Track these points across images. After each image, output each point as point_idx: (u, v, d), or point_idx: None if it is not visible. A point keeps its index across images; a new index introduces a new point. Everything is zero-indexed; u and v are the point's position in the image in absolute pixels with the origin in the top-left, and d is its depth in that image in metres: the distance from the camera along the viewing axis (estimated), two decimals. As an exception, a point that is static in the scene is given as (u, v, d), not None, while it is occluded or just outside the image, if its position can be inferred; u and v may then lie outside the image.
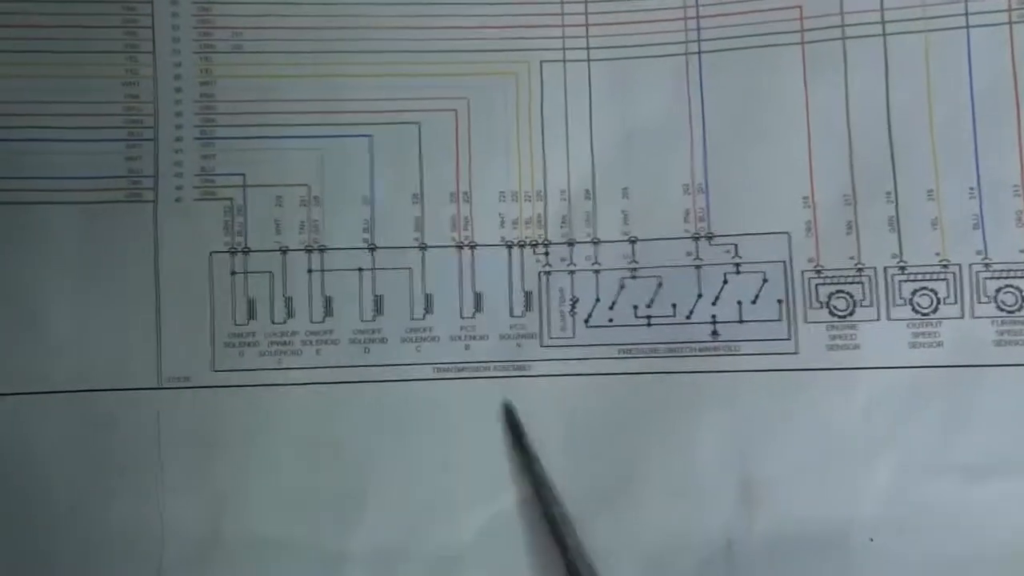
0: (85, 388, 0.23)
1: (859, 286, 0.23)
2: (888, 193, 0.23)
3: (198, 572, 0.23)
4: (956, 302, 0.23)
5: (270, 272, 0.24)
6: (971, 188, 0.23)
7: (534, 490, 0.23)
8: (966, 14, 0.23)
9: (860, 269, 0.23)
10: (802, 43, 0.24)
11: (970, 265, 0.23)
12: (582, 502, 0.23)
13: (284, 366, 0.24)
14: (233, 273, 0.24)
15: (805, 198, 0.24)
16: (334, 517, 0.23)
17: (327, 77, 0.24)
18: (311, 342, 0.24)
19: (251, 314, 0.24)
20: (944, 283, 0.23)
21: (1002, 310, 0.23)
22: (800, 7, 0.24)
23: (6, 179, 0.24)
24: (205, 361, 0.24)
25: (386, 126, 0.24)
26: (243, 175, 0.24)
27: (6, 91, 0.24)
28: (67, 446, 0.23)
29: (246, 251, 0.24)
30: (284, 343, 0.24)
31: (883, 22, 0.24)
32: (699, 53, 0.24)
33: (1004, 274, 0.23)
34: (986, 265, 0.23)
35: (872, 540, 0.22)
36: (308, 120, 0.24)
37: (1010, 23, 0.23)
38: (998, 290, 0.23)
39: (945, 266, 0.23)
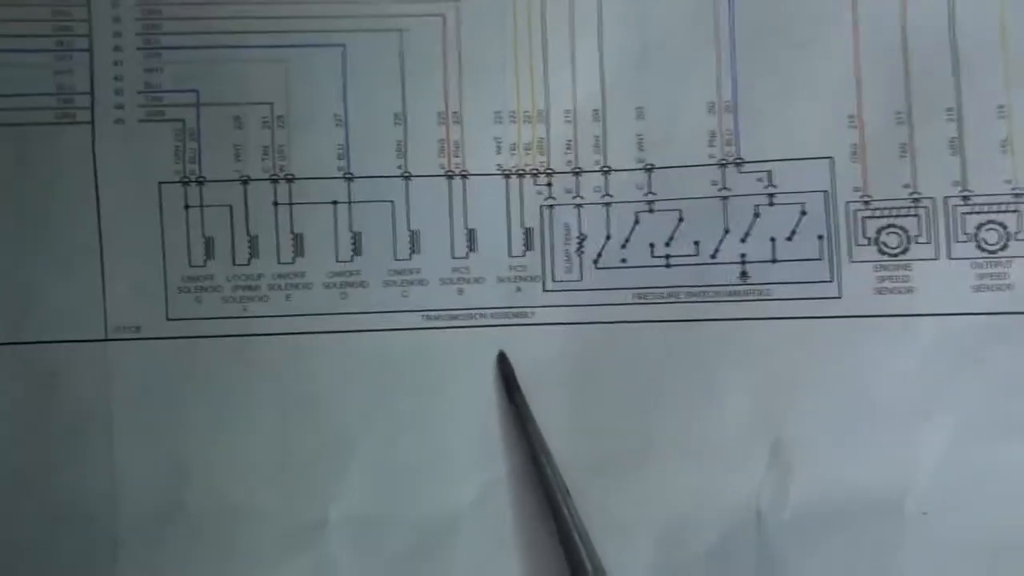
0: (21, 340, 0.20)
1: (914, 219, 0.20)
2: (950, 110, 0.20)
3: (159, 544, 0.20)
4: (1029, 236, 0.20)
5: (229, 206, 0.21)
6: (1048, 104, 0.20)
7: (527, 452, 0.20)
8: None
9: (916, 199, 0.20)
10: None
11: (1046, 193, 0.20)
12: (590, 468, 0.21)
13: (249, 314, 0.21)
14: (187, 207, 0.21)
15: (851, 117, 0.21)
16: (310, 482, 0.21)
17: None
18: (279, 286, 0.21)
19: (209, 254, 0.21)
20: (1015, 215, 0.20)
21: (1082, 246, 0.20)
22: None
23: None
24: (158, 309, 0.21)
25: (362, 33, 0.21)
26: (196, 92, 0.21)
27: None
28: (4, 405, 0.20)
29: (200, 181, 0.21)
30: (248, 288, 0.21)
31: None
32: None
33: (1086, 204, 0.20)
34: (1063, 193, 0.20)
35: (925, 513, 0.20)
36: (271, 27, 0.21)
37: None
38: (1078, 222, 0.20)
39: (1017, 195, 0.20)
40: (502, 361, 0.21)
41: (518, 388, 0.21)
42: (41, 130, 0.21)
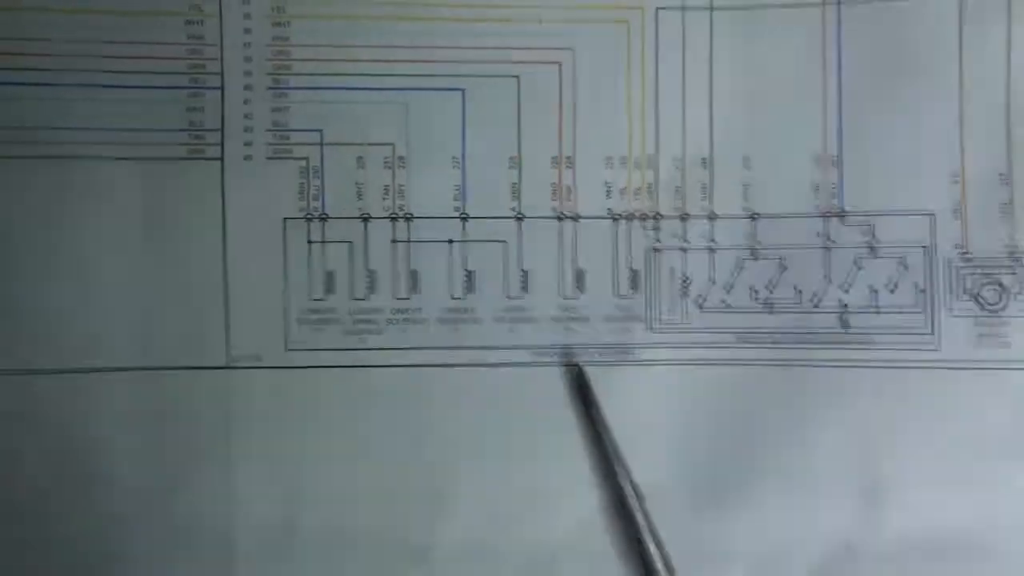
0: (147, 366, 0.21)
1: (1012, 276, 0.21)
2: None
3: (273, 564, 0.21)
4: (1126, 295, 0.21)
5: (350, 242, 0.22)
6: None
7: (602, 463, 0.22)
8: None
9: (1015, 256, 0.21)
10: (960, -3, 0.21)
11: None
12: (690, 501, 0.22)
13: (366, 346, 0.22)
14: (309, 242, 0.22)
15: (954, 174, 0.21)
16: (418, 509, 0.22)
17: (415, 20, 0.22)
18: (395, 320, 0.22)
19: (329, 288, 0.22)
20: None
21: None
22: (957, -52, 0.21)
23: (56, 130, 0.21)
24: (278, 339, 0.22)
25: (481, 79, 0.22)
26: (320, 132, 0.22)
27: (54, 31, 0.21)
28: (128, 428, 0.21)
29: (323, 218, 0.22)
30: (366, 321, 0.22)
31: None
32: (838, 3, 0.22)
33: None
34: None
35: (1010, 553, 0.21)
36: (393, 70, 0.22)
37: None
38: None
39: None
40: (579, 376, 0.22)
41: (595, 402, 0.22)
42: (173, 164, 0.21)
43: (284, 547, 0.21)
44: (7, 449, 0.21)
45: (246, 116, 0.21)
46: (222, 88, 0.21)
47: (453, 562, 0.22)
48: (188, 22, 0.21)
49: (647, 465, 0.22)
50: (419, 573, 0.22)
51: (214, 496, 0.22)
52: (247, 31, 0.21)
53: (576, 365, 0.22)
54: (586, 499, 0.22)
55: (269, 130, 0.22)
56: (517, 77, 0.22)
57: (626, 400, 0.22)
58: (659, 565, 0.21)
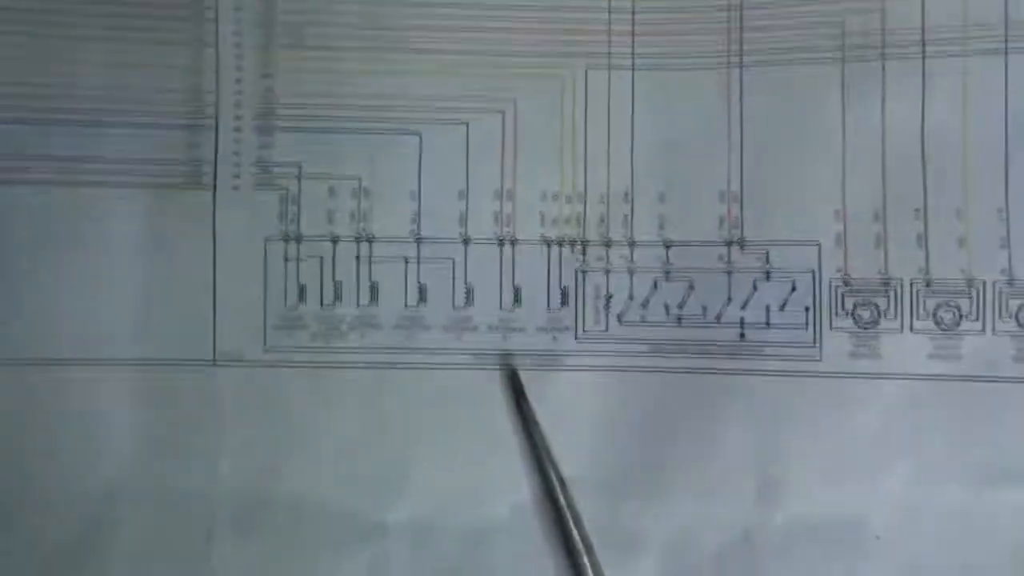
0: (145, 360, 0.25)
1: (884, 298, 0.24)
2: (917, 210, 0.24)
3: (249, 535, 0.24)
4: (978, 319, 0.24)
5: (320, 258, 0.25)
6: (999, 209, 0.24)
7: (533, 455, 0.24)
8: (1005, 40, 0.24)
9: (886, 282, 0.24)
10: (842, 60, 0.24)
11: (993, 283, 0.24)
12: (609, 489, 0.24)
13: (331, 347, 0.25)
14: (286, 260, 0.25)
15: (837, 211, 0.24)
16: (375, 491, 0.25)
17: (381, 75, 0.25)
18: (357, 326, 0.25)
19: (301, 298, 0.25)
20: (968, 300, 0.24)
21: (1021, 327, 0.24)
22: (842, 23, 0.24)
23: (72, 161, 0.25)
24: (257, 340, 0.25)
25: (435, 125, 0.25)
26: (299, 166, 0.25)
27: (76, 76, 0.25)
28: (128, 412, 0.25)
29: (299, 238, 0.25)
30: (332, 326, 0.25)
31: (923, 43, 0.24)
32: (741, 66, 0.25)
33: (1025, 293, 0.24)
34: (1009, 283, 0.24)
35: (878, 538, 0.24)
36: (362, 116, 0.25)
37: (1048, 50, 0.24)
38: (1020, 308, 0.24)
39: (970, 283, 0.24)
40: (512, 375, 0.25)
41: (525, 396, 0.25)
42: (172, 192, 0.25)
43: (259, 520, 0.24)
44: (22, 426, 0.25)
45: (235, 153, 0.25)
46: (216, 129, 0.25)
47: (404, 538, 0.24)
48: (188, 73, 0.25)
49: (572, 458, 0.24)
50: (375, 546, 0.24)
51: (200, 470, 0.25)
52: (239, 81, 0.25)
53: (511, 368, 0.25)
54: (519, 486, 0.25)
55: (255, 164, 0.25)
56: (466, 124, 0.25)
57: (555, 401, 0.25)
58: (580, 546, 0.24)
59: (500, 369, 0.25)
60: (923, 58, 0.24)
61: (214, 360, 0.25)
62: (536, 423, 0.24)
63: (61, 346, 0.25)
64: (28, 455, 0.25)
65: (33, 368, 0.25)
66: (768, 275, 0.25)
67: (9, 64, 0.25)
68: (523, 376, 0.25)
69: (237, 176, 0.25)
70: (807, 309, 0.24)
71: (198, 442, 0.25)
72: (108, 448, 0.25)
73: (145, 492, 0.25)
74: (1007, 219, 0.24)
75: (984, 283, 0.24)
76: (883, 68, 0.24)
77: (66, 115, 0.25)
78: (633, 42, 0.25)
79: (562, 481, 0.24)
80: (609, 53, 0.25)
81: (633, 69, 0.25)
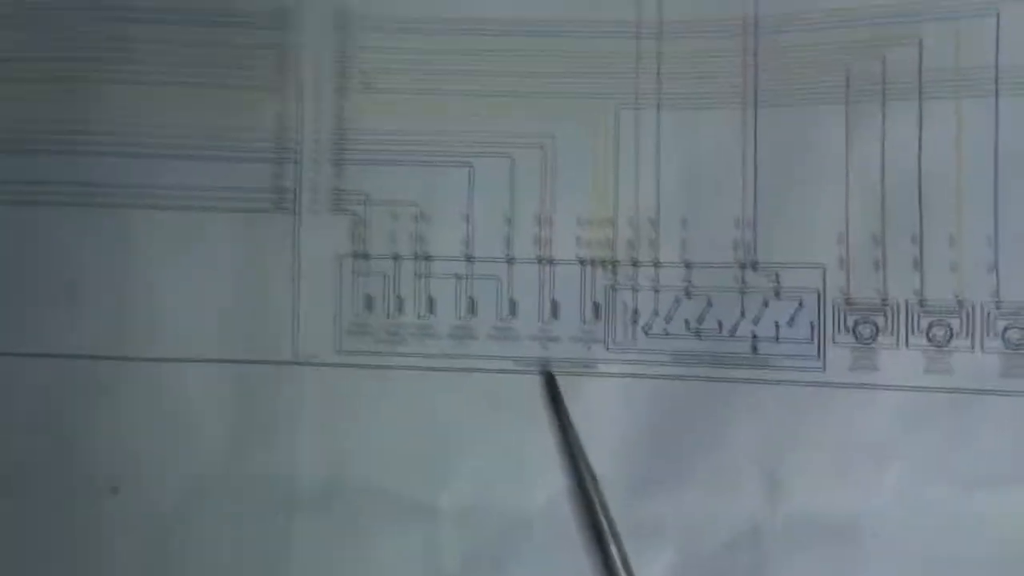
0: (237, 359, 0.28)
1: (882, 317, 0.26)
2: (913, 236, 0.26)
3: (321, 513, 0.27)
4: (968, 337, 0.26)
5: (384, 275, 0.28)
6: (988, 236, 0.26)
7: (567, 451, 0.26)
8: (996, 83, 0.26)
9: (885, 301, 0.26)
10: (846, 103, 0.27)
11: (982, 304, 0.26)
12: (631, 486, 0.26)
13: (394, 351, 0.28)
14: (356, 275, 0.28)
15: (840, 236, 0.26)
16: (428, 478, 0.27)
17: (438, 115, 0.28)
18: (416, 333, 0.28)
19: (369, 308, 0.28)
20: (958, 319, 0.26)
21: (1008, 346, 0.26)
22: (847, 70, 0.27)
23: (179, 191, 0.28)
24: (332, 344, 0.28)
25: (484, 158, 0.28)
26: (367, 194, 0.28)
27: (185, 120, 0.28)
28: (221, 404, 0.28)
29: (366, 256, 0.28)
30: (394, 333, 0.28)
31: (920, 87, 0.26)
32: (755, 106, 0.27)
33: (1012, 315, 0.26)
34: (997, 305, 0.26)
35: (875, 535, 0.26)
36: (420, 150, 0.28)
37: (1035, 92, 0.26)
38: (1006, 328, 0.26)
39: (960, 304, 0.26)
40: (549, 379, 0.27)
41: (561, 399, 0.26)
42: (261, 216, 0.28)
43: (331, 501, 0.27)
44: (107, 422, 0.28)
45: (313, 182, 0.28)
46: (299, 163, 0.28)
47: (452, 520, 0.27)
48: (275, 115, 0.29)
49: (601, 455, 0.26)
50: (427, 526, 0.27)
51: (282, 458, 0.27)
52: (316, 121, 0.28)
53: (548, 372, 0.27)
54: (554, 478, 0.27)
55: (330, 192, 0.28)
56: (511, 157, 0.28)
57: (587, 404, 0.27)
58: (608, 535, 0.26)
59: (539, 373, 0.27)
60: (919, 100, 0.26)
61: (295, 360, 0.28)
62: (570, 423, 0.27)
63: (167, 345, 0.28)
64: (136, 439, 0.28)
65: (143, 363, 0.28)
66: (778, 294, 0.26)
67: (130, 111, 0.29)
68: (559, 380, 0.27)
69: (315, 202, 0.28)
70: (812, 325, 0.26)
71: (280, 431, 0.27)
72: (204, 435, 0.28)
73: (235, 475, 0.27)
74: (996, 246, 0.26)
75: (974, 305, 0.26)
76: (883, 109, 0.26)
77: (177, 151, 0.28)
78: (659, 85, 0.28)
79: (593, 476, 0.26)
80: (637, 94, 0.28)
81: (659, 108, 0.28)
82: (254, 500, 0.28)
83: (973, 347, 0.26)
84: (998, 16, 0.26)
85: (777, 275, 0.27)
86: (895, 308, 0.26)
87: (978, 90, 0.26)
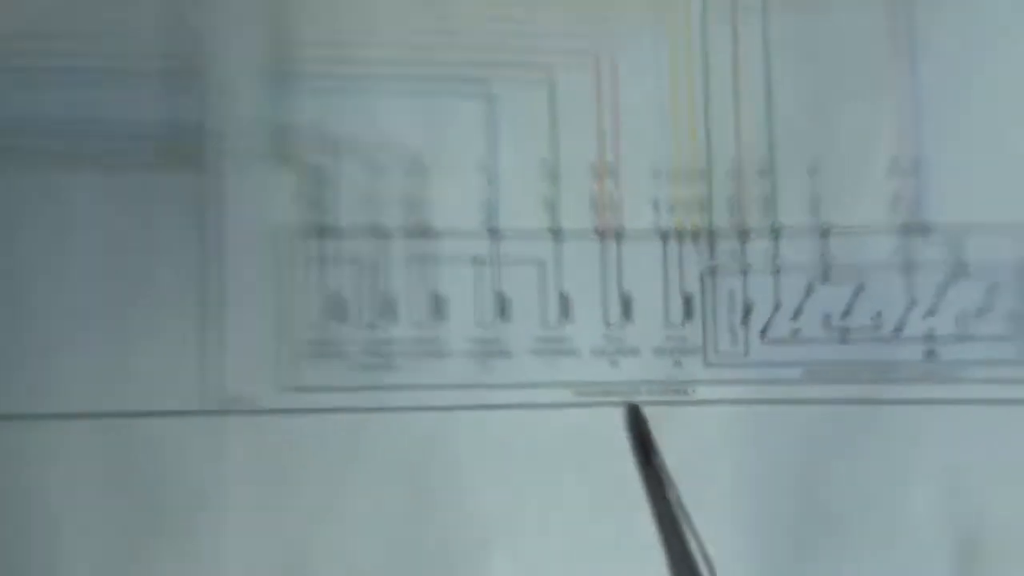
0: (118, 411, 0.18)
1: None
2: None
3: None
4: None
5: (360, 261, 0.19)
6: None
7: (662, 520, 0.19)
8: None
9: None
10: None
11: None
12: (761, 555, 0.19)
13: (378, 384, 0.19)
14: (314, 262, 0.19)
15: None
16: None
17: (439, 17, 0.20)
18: (414, 354, 0.19)
19: (336, 316, 0.19)
20: None
21: None
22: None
23: (15, 136, 0.19)
24: (276, 377, 0.19)
25: (510, 80, 0.20)
26: (330, 135, 0.20)
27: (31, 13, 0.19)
28: (98, 484, 0.18)
29: (333, 233, 0.19)
30: (379, 354, 0.19)
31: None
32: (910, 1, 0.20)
33: None
34: None
35: None
36: (413, 69, 0.20)
37: None
38: None
39: None
40: (635, 417, 0.20)
41: (655, 449, 0.19)
42: (152, 175, 0.19)
43: None
44: None
45: (238, 117, 0.19)
46: (206, 83, 0.19)
47: None
48: (178, 10, 0.19)
49: (709, 523, 0.19)
50: None
51: (202, 566, 0.18)
52: (240, 19, 0.19)
53: (632, 405, 0.19)
54: (643, 565, 0.19)
55: (268, 132, 0.19)
56: (550, 79, 0.20)
57: (681, 446, 0.19)
58: None
59: (620, 406, 0.19)
60: None
61: (218, 407, 0.19)
62: (671, 482, 0.19)
63: (10, 396, 0.18)
64: None
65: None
66: (961, 271, 0.20)
67: None
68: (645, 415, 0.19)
69: (245, 150, 0.19)
70: (1013, 316, 0.20)
71: (198, 522, 0.18)
72: (75, 529, 0.18)
73: None
74: None
75: None
76: None
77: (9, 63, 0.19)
78: None
79: (708, 559, 0.19)
80: None
81: (765, 10, 0.20)
82: None
83: None
84: None
85: (958, 242, 0.20)
86: None
87: None
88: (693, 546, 0.19)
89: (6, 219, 0.19)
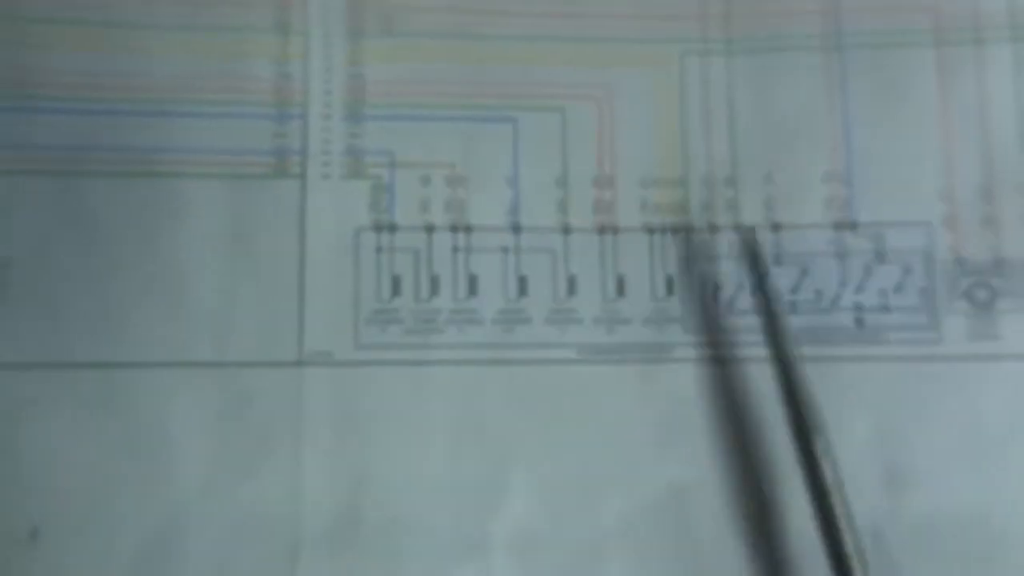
0: (226, 361, 0.23)
1: (1000, 278, 0.24)
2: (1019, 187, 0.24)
3: (337, 553, 0.22)
4: (1096, 294, 0.24)
5: (415, 250, 0.24)
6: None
7: (769, 338, 0.23)
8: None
9: (999, 262, 0.24)
10: (935, 46, 0.25)
11: (1108, 257, 0.24)
12: (724, 486, 0.23)
13: (427, 344, 0.23)
14: (379, 250, 0.24)
15: (943, 190, 0.24)
16: (476, 501, 0.23)
17: (474, 63, 0.25)
18: (455, 320, 0.24)
19: (396, 291, 0.24)
20: None
21: None
22: (936, 12, 0.25)
23: (159, 151, 0.24)
24: (348, 337, 0.23)
25: (530, 111, 0.25)
26: (391, 153, 0.24)
27: (161, 66, 0.24)
28: (204, 419, 0.23)
29: (392, 228, 0.24)
30: (428, 321, 0.24)
31: (1012, 27, 0.25)
32: (840, 49, 0.25)
33: None
34: None
35: (1008, 525, 0.23)
36: (454, 102, 0.24)
37: None
38: None
39: None
40: (750, 240, 0.24)
41: (767, 270, 0.23)
42: (259, 182, 0.24)
43: (349, 537, 0.22)
44: (83, 438, 0.22)
45: (325, 141, 0.24)
46: (305, 117, 0.24)
47: (507, 555, 0.23)
48: (276, 62, 0.24)
49: (686, 459, 0.23)
50: (474, 564, 0.22)
51: (281, 486, 0.22)
52: (328, 70, 0.24)
53: (748, 227, 0.24)
54: (634, 491, 0.23)
55: (345, 153, 0.24)
56: (561, 110, 0.25)
57: (665, 396, 0.23)
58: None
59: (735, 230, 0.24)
60: (1012, 40, 0.25)
61: (301, 359, 0.23)
62: (779, 300, 0.23)
63: (137, 348, 0.23)
64: (104, 460, 0.22)
65: (109, 370, 0.23)
66: (882, 257, 0.24)
67: (77, 52, 0.24)
68: (629, 372, 0.23)
69: (327, 165, 0.24)
70: (923, 291, 0.24)
71: (283, 450, 0.23)
72: (178, 460, 0.22)
73: (219, 509, 0.22)
74: None
75: None
76: (977, 52, 0.25)
77: (153, 105, 0.24)
78: (728, 26, 0.25)
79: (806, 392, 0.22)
80: (705, 39, 0.25)
81: (728, 54, 0.25)
82: (245, 540, 0.22)
83: (1104, 305, 0.24)
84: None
85: (879, 236, 0.24)
86: (1012, 268, 0.24)
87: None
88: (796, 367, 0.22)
89: (154, 217, 0.23)
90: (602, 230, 0.24)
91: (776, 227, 0.24)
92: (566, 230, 0.24)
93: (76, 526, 0.22)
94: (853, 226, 0.24)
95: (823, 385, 0.23)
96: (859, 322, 0.24)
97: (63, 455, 0.22)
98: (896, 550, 0.23)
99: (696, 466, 0.23)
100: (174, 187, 0.23)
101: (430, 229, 0.24)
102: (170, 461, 0.22)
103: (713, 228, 0.24)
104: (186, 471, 0.22)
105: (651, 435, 0.23)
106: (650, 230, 0.24)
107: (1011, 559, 0.23)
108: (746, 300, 0.24)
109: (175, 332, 0.23)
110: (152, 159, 0.23)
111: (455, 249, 0.24)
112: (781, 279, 0.24)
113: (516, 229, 0.24)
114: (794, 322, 0.24)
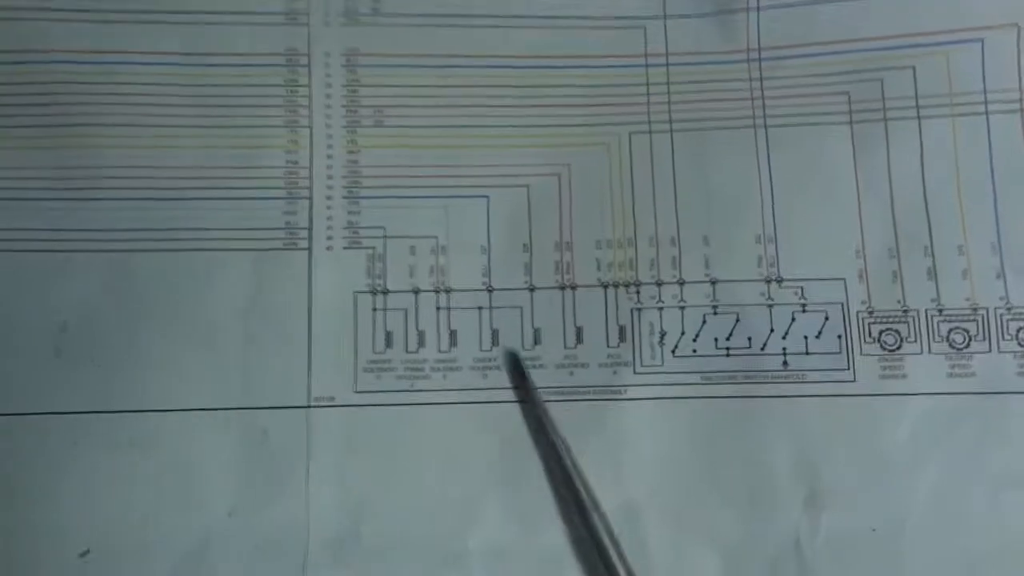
0: (246, 406, 0.27)
1: (905, 325, 0.27)
2: (926, 247, 0.28)
3: (341, 566, 0.26)
4: (984, 339, 0.27)
5: (405, 309, 0.28)
6: (992, 244, 0.27)
7: (532, 425, 0.26)
8: (985, 103, 0.28)
9: (905, 311, 0.27)
10: (850, 123, 0.28)
11: (995, 309, 0.27)
12: (670, 505, 0.26)
13: (415, 388, 0.27)
14: (374, 310, 0.28)
15: (857, 249, 0.28)
16: (457, 520, 0.26)
17: (452, 148, 0.28)
18: (438, 368, 0.27)
19: (388, 344, 0.27)
20: (974, 323, 0.27)
21: (1021, 346, 0.27)
22: (848, 93, 0.28)
23: (189, 230, 0.28)
24: (349, 383, 0.27)
25: (501, 188, 0.28)
26: (383, 228, 0.28)
27: (192, 159, 0.28)
28: (228, 455, 0.26)
29: (385, 291, 0.28)
30: (415, 369, 0.27)
31: (917, 107, 0.28)
32: (765, 127, 0.28)
33: (1022, 316, 0.27)
34: (1008, 309, 0.27)
35: (914, 540, 0.26)
36: (437, 183, 0.28)
37: (1022, 111, 0.28)
38: (1018, 330, 0.27)
39: (974, 309, 0.27)
40: (512, 358, 0.27)
41: (528, 376, 0.27)
42: (273, 254, 0.28)
43: (350, 552, 0.26)
44: (126, 472, 0.26)
45: (328, 219, 0.28)
46: (311, 199, 0.28)
47: (484, 566, 0.26)
48: (286, 152, 0.28)
49: (635, 482, 0.26)
50: (457, 571, 0.26)
51: (293, 510, 0.26)
52: (329, 157, 0.28)
53: (511, 351, 0.27)
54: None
55: (345, 228, 0.28)
56: (527, 186, 0.28)
57: (617, 429, 0.27)
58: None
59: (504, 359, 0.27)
60: (918, 119, 0.28)
61: (309, 403, 0.27)
62: (545, 411, 0.26)
63: (172, 396, 0.27)
64: (145, 490, 0.26)
65: (148, 415, 0.26)
66: (804, 307, 0.27)
67: (123, 151, 0.28)
68: (586, 408, 0.27)
69: (330, 239, 0.28)
70: (839, 337, 0.27)
71: (294, 481, 0.26)
72: (210, 489, 0.26)
73: (240, 532, 0.26)
74: (1000, 253, 0.27)
75: (987, 309, 0.27)
76: (885, 129, 0.28)
77: (185, 192, 0.28)
78: (670, 110, 0.29)
79: (597, 507, 0.26)
80: (649, 120, 0.29)
81: (671, 132, 0.28)
82: (263, 557, 0.26)
83: (990, 349, 0.27)
84: (983, 44, 0.28)
85: (802, 289, 0.28)
86: (916, 317, 0.27)
87: (971, 109, 0.28)
88: (554, 437, 0.26)
89: (185, 285, 0.27)
90: (563, 287, 0.28)
91: (714, 281, 0.28)
92: (532, 288, 0.28)
93: (120, 547, 0.26)
94: (780, 281, 0.28)
95: (752, 421, 0.27)
96: (785, 364, 0.27)
97: (110, 487, 0.26)
98: (814, 562, 0.26)
99: (642, 487, 0.26)
100: (203, 260, 0.28)
101: (417, 291, 0.28)
102: (200, 491, 0.26)
103: (659, 284, 0.28)
104: (214, 499, 0.26)
105: (608, 463, 0.27)
106: (604, 285, 0.28)
107: (914, 570, 0.26)
108: (687, 345, 0.27)
109: (204, 382, 0.27)
110: (184, 237, 0.28)
111: (438, 308, 0.28)
112: (718, 327, 0.28)
113: (490, 289, 0.28)
114: (728, 363, 0.27)
